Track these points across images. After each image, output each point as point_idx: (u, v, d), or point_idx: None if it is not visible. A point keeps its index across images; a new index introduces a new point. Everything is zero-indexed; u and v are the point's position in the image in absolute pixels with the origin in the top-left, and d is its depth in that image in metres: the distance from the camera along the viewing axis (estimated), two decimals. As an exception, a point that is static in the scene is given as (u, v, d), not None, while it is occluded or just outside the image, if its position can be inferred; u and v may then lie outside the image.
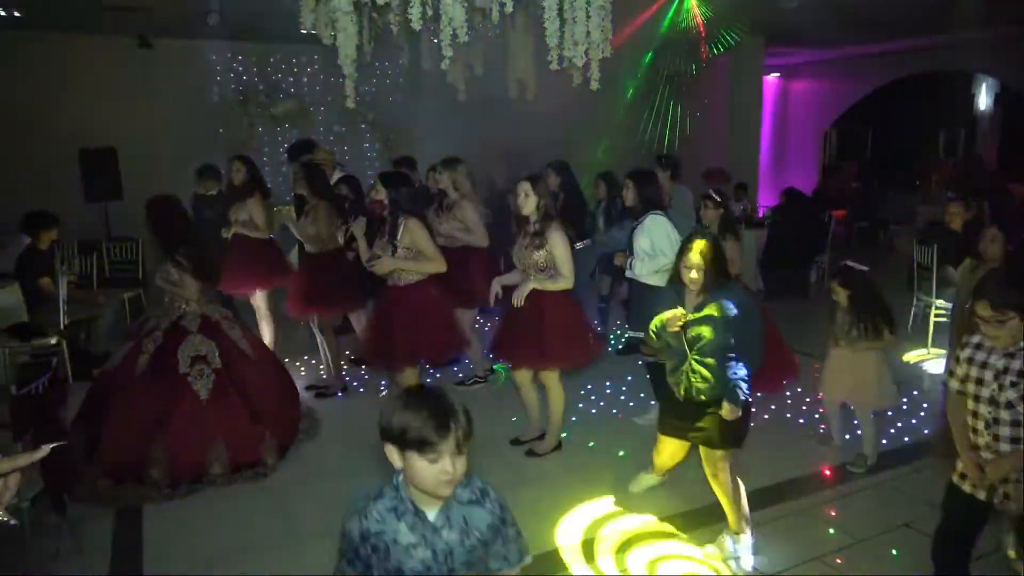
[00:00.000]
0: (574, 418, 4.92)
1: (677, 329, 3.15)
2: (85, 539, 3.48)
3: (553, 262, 4.15)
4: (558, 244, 4.14)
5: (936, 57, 11.56)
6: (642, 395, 5.34)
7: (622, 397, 5.44)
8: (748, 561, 3.33)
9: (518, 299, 4.15)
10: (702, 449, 3.30)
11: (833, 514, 3.76)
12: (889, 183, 13.28)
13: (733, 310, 3.07)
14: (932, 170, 13.68)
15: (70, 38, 8.96)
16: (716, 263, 3.14)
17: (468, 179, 5.43)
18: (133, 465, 3.88)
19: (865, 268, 4.17)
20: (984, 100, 14.54)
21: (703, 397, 3.16)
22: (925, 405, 5.14)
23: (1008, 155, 14.06)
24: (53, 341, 5.11)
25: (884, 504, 3.85)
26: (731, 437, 3.22)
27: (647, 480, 3.98)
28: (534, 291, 4.15)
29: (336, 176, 6.14)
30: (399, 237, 4.29)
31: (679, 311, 3.15)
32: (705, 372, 3.13)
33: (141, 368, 3.99)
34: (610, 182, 6.37)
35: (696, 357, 3.14)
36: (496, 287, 4.48)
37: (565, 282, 4.17)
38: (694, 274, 3.13)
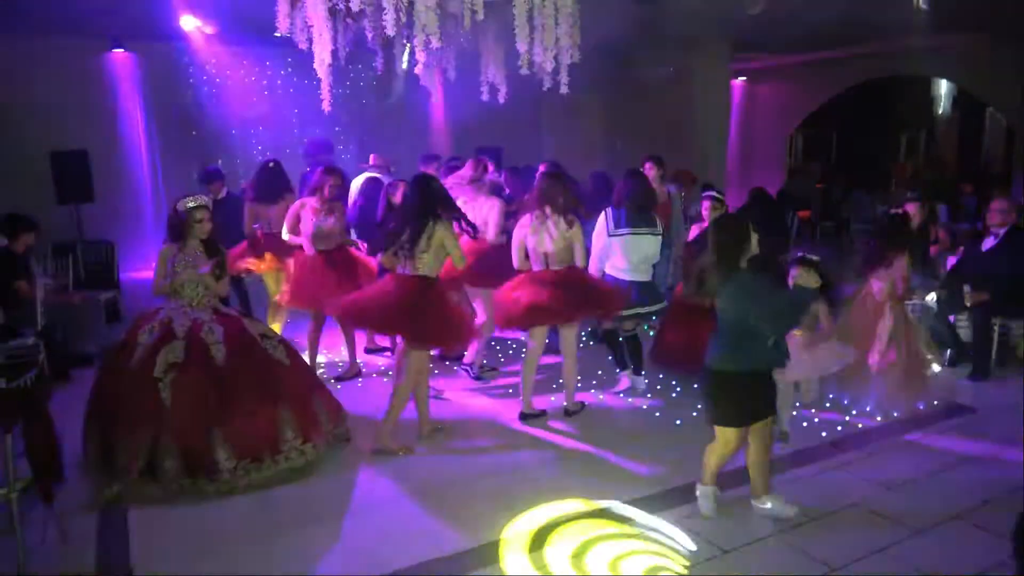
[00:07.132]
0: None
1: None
2: (71, 530, 3.53)
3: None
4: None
5: (897, 62, 11.95)
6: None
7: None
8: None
9: None
10: None
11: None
12: (853, 184, 13.66)
13: (746, 289, 3.46)
14: (893, 171, 14.12)
15: (40, 39, 8.92)
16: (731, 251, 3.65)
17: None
18: (201, 452, 3.85)
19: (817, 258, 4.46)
20: (943, 104, 15.04)
21: (716, 366, 3.52)
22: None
23: (965, 157, 14.56)
24: (31, 342, 5.13)
25: (839, 484, 4.09)
26: (725, 415, 3.54)
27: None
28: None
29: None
30: (423, 241, 4.29)
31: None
32: (723, 338, 3.53)
33: (220, 360, 3.99)
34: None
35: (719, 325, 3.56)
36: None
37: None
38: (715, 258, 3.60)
